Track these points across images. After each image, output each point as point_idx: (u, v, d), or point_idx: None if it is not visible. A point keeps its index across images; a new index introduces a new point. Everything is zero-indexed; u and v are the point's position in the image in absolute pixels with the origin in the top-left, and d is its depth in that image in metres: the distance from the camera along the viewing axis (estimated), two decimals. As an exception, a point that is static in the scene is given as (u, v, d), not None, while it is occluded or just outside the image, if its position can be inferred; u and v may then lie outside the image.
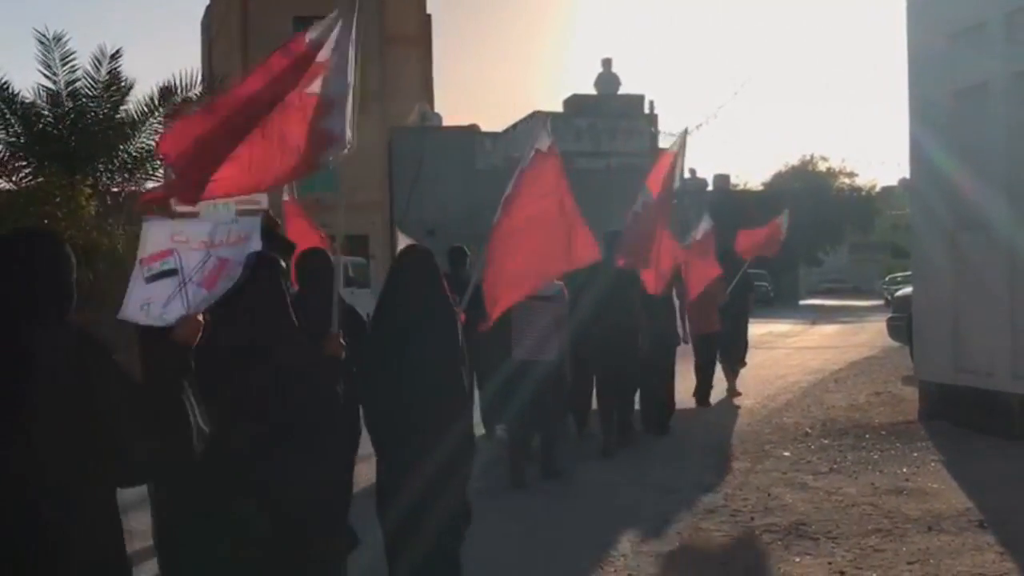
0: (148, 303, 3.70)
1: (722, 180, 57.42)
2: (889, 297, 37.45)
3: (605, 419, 10.21)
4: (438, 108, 41.82)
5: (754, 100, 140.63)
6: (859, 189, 58.80)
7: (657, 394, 11.29)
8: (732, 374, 14.28)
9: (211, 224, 4.01)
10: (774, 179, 58.24)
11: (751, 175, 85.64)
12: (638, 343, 10.15)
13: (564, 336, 8.81)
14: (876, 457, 9.57)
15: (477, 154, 39.65)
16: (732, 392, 14.16)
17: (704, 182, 58.56)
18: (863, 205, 57.02)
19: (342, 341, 4.71)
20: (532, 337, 8.67)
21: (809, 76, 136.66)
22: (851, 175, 58.77)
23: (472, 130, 40.27)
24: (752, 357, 16.07)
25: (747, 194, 54.12)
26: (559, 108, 43.11)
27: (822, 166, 58.51)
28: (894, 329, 17.22)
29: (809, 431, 11.13)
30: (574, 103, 41.78)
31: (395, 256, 6.04)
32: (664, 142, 39.97)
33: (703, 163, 78.66)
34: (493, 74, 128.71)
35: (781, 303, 44.56)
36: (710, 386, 13.41)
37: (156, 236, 3.92)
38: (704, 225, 13.14)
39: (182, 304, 3.68)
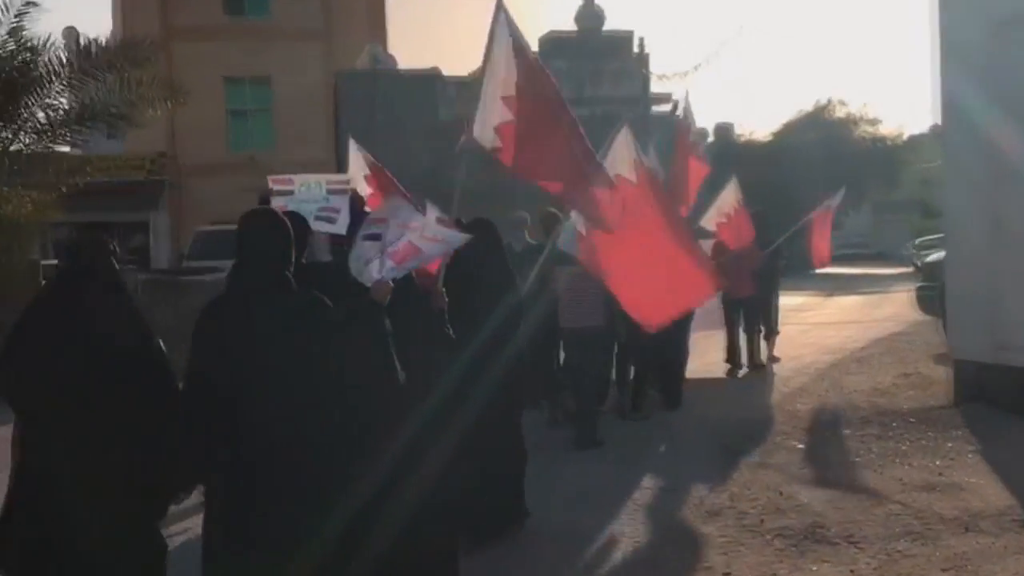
0: (358, 259, 5.47)
1: (724, 130, 57.38)
2: (918, 264, 37.58)
3: (622, 382, 11.93)
4: (392, 50, 41.61)
5: (762, 37, 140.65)
6: (883, 139, 58.92)
7: (671, 363, 12.58)
8: (770, 343, 16.04)
9: (424, 218, 5.73)
10: (784, 129, 58.34)
11: (758, 124, 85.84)
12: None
13: (613, 302, 9.72)
14: (904, 448, 9.65)
15: (439, 103, 39.41)
16: (772, 359, 15.81)
17: (704, 132, 58.56)
18: (888, 157, 57.20)
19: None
20: (577, 304, 10.21)
21: (825, 7, 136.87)
22: (874, 122, 58.88)
23: (433, 75, 40.05)
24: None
25: (753, 146, 54.22)
26: (534, 47, 42.92)
27: (840, 112, 58.54)
28: (924, 300, 17.32)
29: (827, 419, 11.20)
30: (551, 42, 41.63)
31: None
32: (658, 86, 40.04)
33: (703, 111, 78.78)
34: (455, 9, 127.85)
35: (793, 272, 44.51)
36: (738, 350, 15.10)
37: (387, 207, 5.90)
38: (732, 186, 14.53)
39: (378, 270, 5.43)
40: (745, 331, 15.35)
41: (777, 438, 10.43)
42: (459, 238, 5.95)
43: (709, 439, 10.63)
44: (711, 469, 9.27)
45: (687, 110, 14.02)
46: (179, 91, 18.96)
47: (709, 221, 14.18)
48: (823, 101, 58.96)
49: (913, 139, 64.84)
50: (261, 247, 4.89)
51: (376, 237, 5.58)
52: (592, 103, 40.90)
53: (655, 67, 40.84)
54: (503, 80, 7.15)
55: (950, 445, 9.65)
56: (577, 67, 39.94)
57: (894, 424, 10.69)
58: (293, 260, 4.96)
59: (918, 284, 18.25)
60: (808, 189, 47.34)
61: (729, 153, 48.32)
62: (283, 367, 4.60)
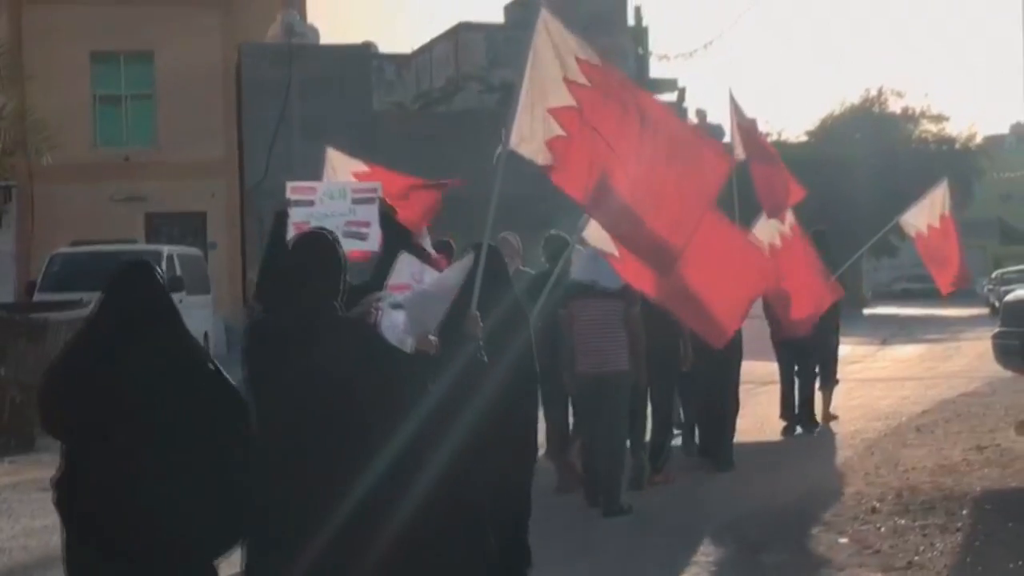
0: (393, 328, 6.61)
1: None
2: (996, 303, 37.78)
3: (637, 442, 12.29)
4: (313, 20, 41.63)
5: (792, 7, 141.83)
6: (951, 140, 59.54)
7: (720, 413, 13.56)
8: (825, 395, 16.75)
9: (439, 275, 7.23)
10: (823, 127, 58.76)
11: (789, 121, 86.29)
12: (678, 352, 12.49)
13: (639, 342, 11.13)
14: (978, 544, 9.68)
15: (375, 85, 39.48)
16: (827, 416, 16.65)
17: (719, 129, 58.89)
18: (957, 164, 57.58)
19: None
20: (599, 346, 11.03)
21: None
22: (938, 119, 59.56)
23: (366, 51, 40.13)
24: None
25: (784, 149, 54.54)
26: (499, 18, 43.13)
27: (895, 105, 59.20)
28: (1004, 351, 17.38)
29: (878, 505, 11.23)
30: (521, 10, 41.79)
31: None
32: (658, 69, 40.24)
33: (717, 103, 78.73)
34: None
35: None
36: (793, 403, 16.02)
37: (404, 270, 7.20)
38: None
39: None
40: (799, 378, 16.14)
41: (813, 529, 10.45)
42: (459, 270, 7.26)
43: (726, 530, 10.63)
44: (726, 571, 9.27)
45: (734, 103, 15.16)
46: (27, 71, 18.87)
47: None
48: (873, 92, 59.26)
49: (990, 141, 65.56)
50: (318, 280, 6.02)
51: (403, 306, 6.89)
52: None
53: (655, 46, 40.95)
54: (551, 91, 8.21)
55: (1037, 539, 9.69)
56: (555, 43, 40.18)
57: (964, 512, 10.72)
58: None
59: (996, 330, 18.36)
60: (855, 203, 47.84)
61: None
62: (344, 406, 5.80)
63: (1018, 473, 12.25)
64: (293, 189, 8.70)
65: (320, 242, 6.14)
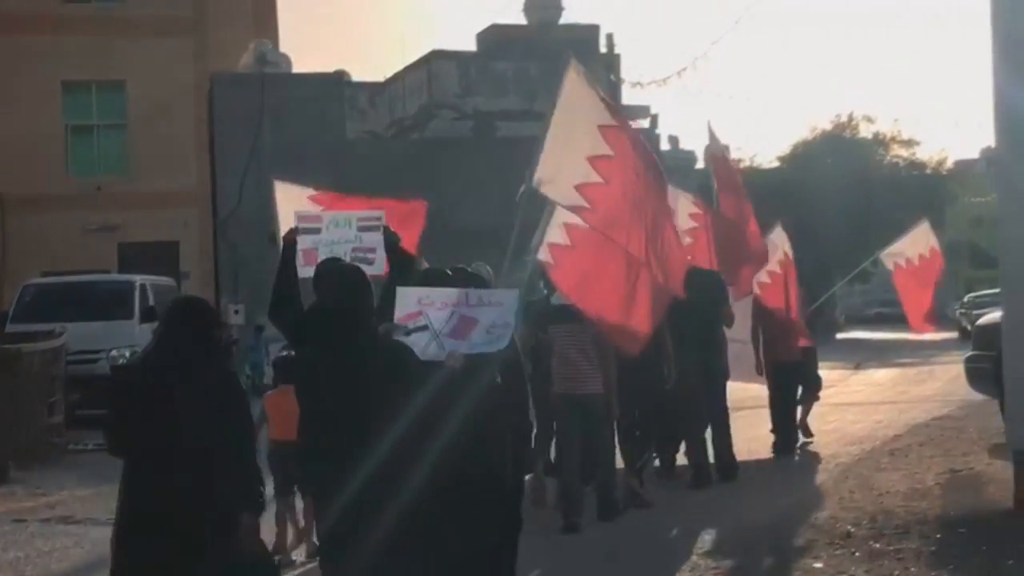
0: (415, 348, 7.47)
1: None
2: (968, 326, 37.89)
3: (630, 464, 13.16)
4: (285, 48, 41.63)
5: (764, 34, 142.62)
6: (922, 165, 59.81)
7: (705, 438, 14.43)
8: (805, 407, 17.83)
9: (458, 290, 7.93)
10: (795, 152, 58.99)
11: (761, 147, 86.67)
12: (662, 374, 13.09)
13: (609, 364, 11.89)
14: (952, 568, 9.70)
15: (348, 114, 39.47)
16: (805, 432, 17.60)
17: (691, 156, 59.06)
18: (928, 188, 57.89)
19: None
20: (577, 367, 11.72)
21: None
22: (910, 144, 59.82)
23: (338, 79, 40.16)
24: (765, 418, 17.00)
25: (757, 175, 54.72)
26: (471, 46, 43.17)
27: (866, 131, 59.44)
28: (976, 374, 17.45)
29: (852, 529, 11.24)
30: (494, 38, 41.96)
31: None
32: (631, 96, 40.36)
33: (689, 128, 79.24)
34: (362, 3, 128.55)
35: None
36: (787, 429, 16.76)
37: (405, 301, 7.78)
38: (775, 235, 16.93)
39: (438, 350, 7.65)
40: (789, 397, 17.13)
41: (787, 555, 10.45)
42: (511, 295, 8.31)
43: (701, 555, 10.63)
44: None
45: (712, 136, 16.59)
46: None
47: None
48: (843, 116, 59.51)
49: (960, 166, 65.82)
50: (352, 304, 7.33)
51: (422, 328, 7.77)
52: (547, 117, 41.01)
53: (627, 72, 41.02)
54: (582, 138, 9.31)
55: (1011, 563, 9.70)
56: (526, 71, 40.21)
57: (939, 536, 10.74)
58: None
59: (968, 354, 18.42)
60: (827, 229, 47.97)
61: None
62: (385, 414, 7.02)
63: (992, 497, 12.27)
64: (300, 217, 9.31)
65: (353, 273, 7.60)
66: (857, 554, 10.33)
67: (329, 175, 36.04)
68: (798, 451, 16.94)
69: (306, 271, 8.26)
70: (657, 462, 14.71)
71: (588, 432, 11.97)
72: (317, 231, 9.18)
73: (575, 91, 9.57)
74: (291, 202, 10.68)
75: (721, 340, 14.78)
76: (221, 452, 6.54)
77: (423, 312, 7.80)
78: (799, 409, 17.66)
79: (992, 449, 15.07)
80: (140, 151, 36.86)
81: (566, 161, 9.11)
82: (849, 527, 11.36)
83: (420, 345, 7.61)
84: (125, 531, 6.63)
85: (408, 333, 7.69)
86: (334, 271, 7.58)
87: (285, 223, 10.06)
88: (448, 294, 7.92)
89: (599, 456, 12.21)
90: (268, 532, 8.89)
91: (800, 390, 17.59)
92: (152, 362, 6.72)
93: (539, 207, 9.31)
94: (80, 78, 37.19)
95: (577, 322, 11.63)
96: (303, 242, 8.82)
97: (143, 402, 6.57)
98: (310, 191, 10.97)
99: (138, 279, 27.06)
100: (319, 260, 8.44)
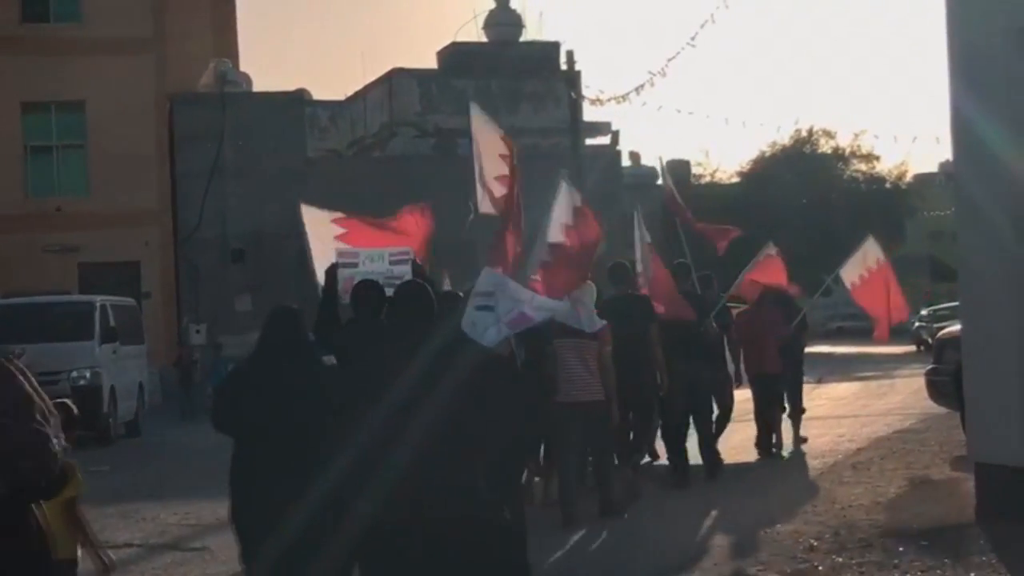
0: (473, 324, 8.77)
1: (679, 169, 58.02)
2: (928, 339, 38.08)
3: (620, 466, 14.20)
4: (245, 67, 41.55)
5: (723, 50, 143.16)
6: (881, 179, 60.09)
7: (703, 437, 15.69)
8: (795, 422, 18.72)
9: (529, 291, 9.65)
10: (755, 167, 59.18)
11: (722, 161, 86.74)
12: (655, 381, 14.33)
13: (609, 375, 13.05)
14: (915, 579, 9.72)
15: (309, 132, 39.42)
16: (798, 440, 18.55)
17: (653, 172, 59.17)
18: (888, 203, 58.18)
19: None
20: (573, 377, 12.86)
21: (805, 16, 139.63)
22: (869, 159, 60.05)
23: (299, 98, 40.11)
24: (732, 432, 17.29)
25: (717, 189, 54.92)
26: (431, 63, 43.21)
27: (826, 146, 59.68)
28: (936, 387, 17.52)
29: (815, 543, 11.25)
30: (454, 56, 42.04)
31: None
32: (591, 113, 40.44)
33: (650, 144, 79.56)
34: (327, 15, 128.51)
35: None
36: (771, 433, 17.62)
37: (485, 281, 9.26)
38: (767, 249, 18.05)
39: (497, 334, 8.89)
40: (769, 407, 17.90)
41: (752, 569, 10.45)
42: (562, 306, 10.21)
43: (662, 570, 10.62)
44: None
45: (664, 173, 17.84)
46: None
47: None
48: (803, 131, 59.66)
49: (920, 180, 66.10)
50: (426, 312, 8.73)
51: (488, 308, 8.98)
52: (508, 134, 40.98)
53: (587, 89, 41.03)
54: (496, 163, 11.33)
55: (973, 575, 9.73)
56: (487, 87, 40.26)
57: (901, 549, 10.76)
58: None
59: (928, 367, 18.49)
60: (787, 244, 47.95)
61: (685, 198, 48.85)
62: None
63: (954, 509, 12.30)
64: (340, 253, 11.10)
65: (417, 286, 9.19)
66: (820, 568, 10.34)
67: (290, 193, 36.03)
68: (761, 459, 17.32)
69: (344, 298, 10.13)
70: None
71: (589, 436, 13.10)
72: (355, 265, 10.89)
73: (480, 129, 11.48)
74: (318, 224, 12.17)
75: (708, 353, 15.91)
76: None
77: (495, 296, 9.05)
78: (789, 423, 18.55)
79: (953, 461, 15.12)
80: (100, 171, 36.71)
81: (485, 184, 11.17)
82: (812, 540, 11.37)
83: (481, 324, 8.83)
84: (237, 490, 8.39)
85: (478, 308, 8.97)
86: (416, 283, 9.49)
87: (314, 244, 11.95)
88: (520, 291, 9.51)
89: (600, 458, 13.49)
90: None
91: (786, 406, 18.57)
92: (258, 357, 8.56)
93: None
94: (39, 99, 37.05)
95: (580, 336, 12.85)
96: (343, 274, 10.51)
97: (253, 389, 8.31)
98: (335, 214, 12.22)
99: (99, 299, 26.85)
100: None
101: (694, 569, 10.68)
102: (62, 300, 28.28)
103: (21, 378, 5.29)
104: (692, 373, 15.21)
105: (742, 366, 17.44)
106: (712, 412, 16.30)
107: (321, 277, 10.90)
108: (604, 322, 13.12)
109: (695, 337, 15.36)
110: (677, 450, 15.52)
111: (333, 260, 10.83)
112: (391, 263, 11.05)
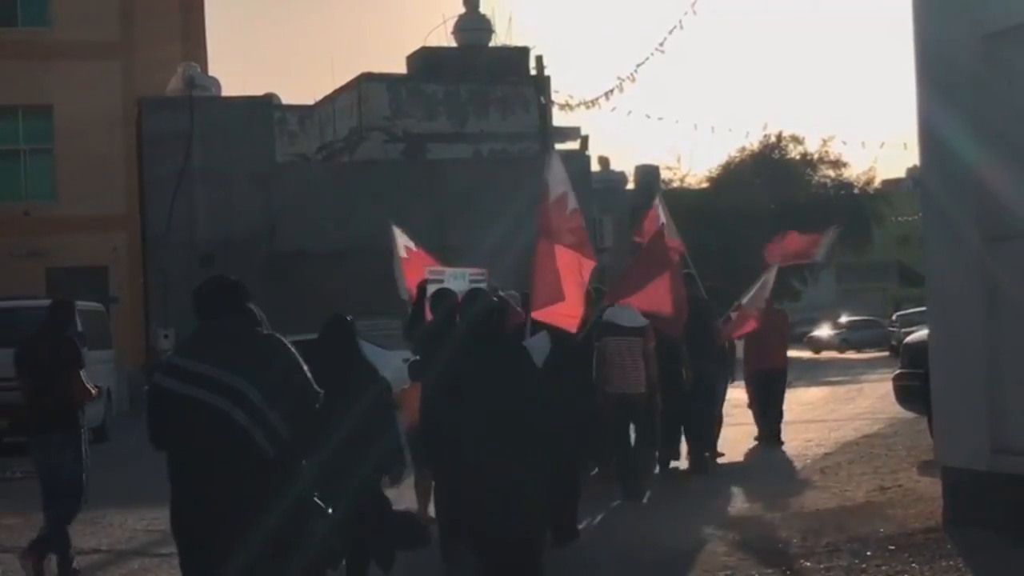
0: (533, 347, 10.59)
1: (648, 174, 58.11)
2: (896, 343, 38.19)
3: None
4: (214, 71, 41.44)
5: (692, 56, 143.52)
6: (850, 185, 60.24)
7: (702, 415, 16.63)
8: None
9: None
10: (723, 172, 59.27)
11: (692, 167, 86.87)
12: (682, 375, 15.56)
13: (652, 368, 14.51)
14: (883, 584, 9.73)
15: (278, 136, 39.33)
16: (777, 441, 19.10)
17: (622, 177, 59.25)
18: (855, 208, 58.31)
19: None
20: (620, 371, 14.31)
21: (775, 15, 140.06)
22: (837, 164, 60.22)
23: (268, 102, 40.01)
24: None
25: (686, 194, 54.96)
26: (401, 68, 43.16)
27: (795, 152, 59.82)
28: (904, 392, 17.55)
29: (783, 548, 11.27)
30: (424, 61, 41.98)
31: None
32: (560, 118, 40.48)
33: (620, 150, 79.68)
34: (296, 20, 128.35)
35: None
36: (767, 425, 18.87)
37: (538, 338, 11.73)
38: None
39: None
40: (772, 402, 19.03)
41: (719, 574, 10.44)
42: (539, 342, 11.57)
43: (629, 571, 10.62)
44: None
45: (662, 202, 18.41)
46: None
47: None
48: (771, 136, 59.79)
49: (888, 185, 66.32)
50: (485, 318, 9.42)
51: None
52: (477, 139, 40.95)
53: (557, 94, 41.08)
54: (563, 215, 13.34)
55: (940, 579, 9.75)
56: (456, 93, 40.26)
57: (868, 553, 10.77)
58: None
59: (896, 371, 18.53)
60: (754, 247, 48.09)
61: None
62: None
63: (921, 514, 12.33)
64: (431, 271, 13.55)
65: (480, 295, 9.95)
66: (788, 572, 10.35)
67: (258, 198, 36.02)
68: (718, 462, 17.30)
69: (405, 294, 13.79)
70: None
71: (634, 423, 14.72)
72: (441, 281, 13.02)
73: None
74: (400, 241, 14.72)
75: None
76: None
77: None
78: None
79: (921, 466, 15.16)
80: (68, 175, 36.54)
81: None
82: (779, 546, 11.38)
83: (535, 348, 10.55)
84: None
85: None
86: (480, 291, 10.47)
87: (404, 263, 14.59)
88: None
89: (642, 440, 15.02)
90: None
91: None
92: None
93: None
94: (6, 102, 36.83)
95: (627, 334, 14.36)
96: (431, 289, 12.21)
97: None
98: (409, 242, 14.85)
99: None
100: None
101: (656, 572, 10.66)
102: (29, 305, 28.05)
103: None
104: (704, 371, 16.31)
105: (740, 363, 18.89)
106: (713, 409, 17.19)
107: (403, 291, 14.15)
108: (647, 320, 14.48)
109: (705, 338, 16.44)
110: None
111: (424, 276, 13.25)
112: (471, 282, 13.23)
